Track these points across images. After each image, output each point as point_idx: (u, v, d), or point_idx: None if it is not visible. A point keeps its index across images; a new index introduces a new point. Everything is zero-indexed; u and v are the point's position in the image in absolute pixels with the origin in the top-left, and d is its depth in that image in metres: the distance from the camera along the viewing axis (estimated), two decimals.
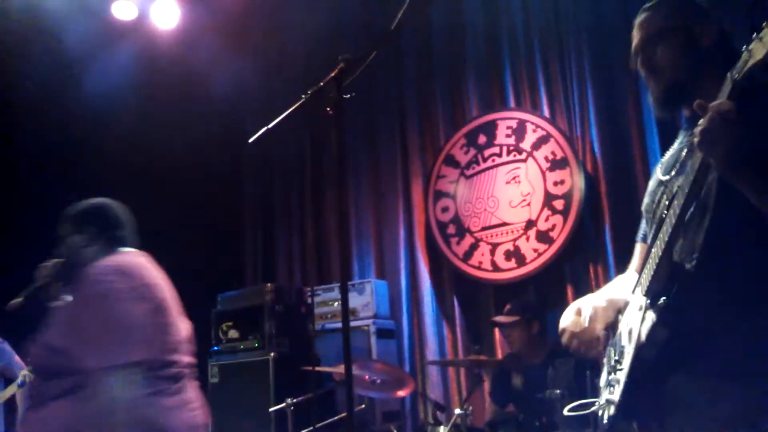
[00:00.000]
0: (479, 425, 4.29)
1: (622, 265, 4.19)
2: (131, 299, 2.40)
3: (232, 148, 6.60)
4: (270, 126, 2.10)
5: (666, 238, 1.63)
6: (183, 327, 2.62)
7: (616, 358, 1.77)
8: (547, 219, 5.02)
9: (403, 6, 1.89)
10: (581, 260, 4.90)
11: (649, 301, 1.66)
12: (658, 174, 1.84)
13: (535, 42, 5.25)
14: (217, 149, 6.39)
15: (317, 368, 4.58)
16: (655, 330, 1.62)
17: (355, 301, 5.38)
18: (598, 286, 4.66)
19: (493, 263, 5.22)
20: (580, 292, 4.82)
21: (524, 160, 5.20)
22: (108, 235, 2.62)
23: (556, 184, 5.02)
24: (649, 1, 1.86)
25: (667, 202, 1.70)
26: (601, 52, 4.90)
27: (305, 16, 6.14)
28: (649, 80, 1.80)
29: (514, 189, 5.21)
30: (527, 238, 5.09)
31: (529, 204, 5.12)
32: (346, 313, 1.87)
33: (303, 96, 1.97)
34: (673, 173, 1.75)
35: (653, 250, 1.69)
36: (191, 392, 2.54)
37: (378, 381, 4.10)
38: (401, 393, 4.26)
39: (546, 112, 5.16)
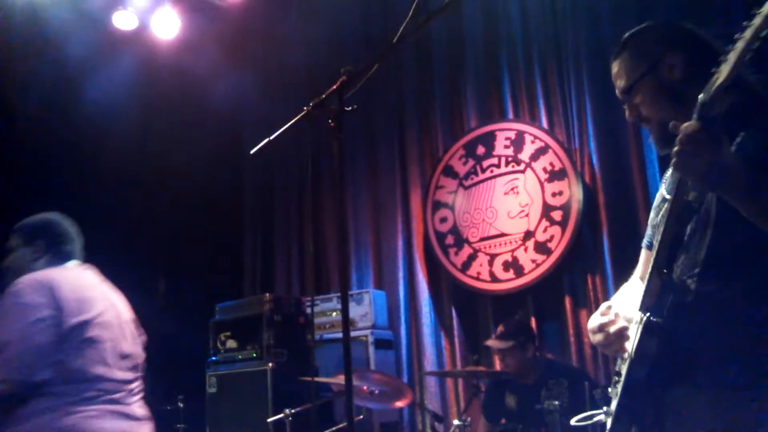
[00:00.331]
0: None
1: (620, 276, 4.22)
2: (39, 315, 2.35)
3: (231, 159, 6.61)
4: (272, 137, 2.11)
5: (654, 256, 1.69)
6: (126, 343, 2.59)
7: (617, 369, 1.83)
8: (545, 230, 5.03)
9: (406, 20, 1.91)
10: (579, 271, 4.91)
11: (642, 317, 1.70)
12: (662, 190, 1.89)
13: (534, 54, 5.28)
14: (216, 159, 6.40)
15: (316, 379, 4.56)
16: (643, 344, 1.67)
17: (353, 311, 5.37)
18: (596, 297, 4.69)
19: (492, 274, 5.22)
20: (578, 303, 4.83)
21: (523, 171, 5.21)
22: (56, 249, 2.65)
23: (554, 195, 5.04)
24: (630, 27, 1.89)
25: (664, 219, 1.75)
26: (600, 64, 4.92)
27: (305, 28, 6.18)
28: (644, 126, 1.86)
29: (513, 200, 5.22)
30: (525, 249, 5.10)
31: (527, 215, 5.14)
32: (347, 323, 1.88)
33: (305, 108, 1.98)
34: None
35: (650, 265, 1.73)
36: (123, 407, 2.48)
37: (376, 392, 4.08)
38: (399, 404, 4.24)
39: (544, 124, 5.18)
